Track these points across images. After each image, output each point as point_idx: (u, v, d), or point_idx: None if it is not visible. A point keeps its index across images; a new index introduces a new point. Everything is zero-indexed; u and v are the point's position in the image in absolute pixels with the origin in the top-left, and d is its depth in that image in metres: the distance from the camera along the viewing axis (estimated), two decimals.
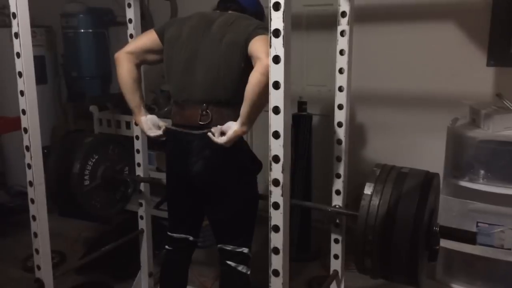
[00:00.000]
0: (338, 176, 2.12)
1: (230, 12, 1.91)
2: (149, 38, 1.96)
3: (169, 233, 2.07)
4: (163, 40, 1.91)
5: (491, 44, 2.76)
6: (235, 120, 1.73)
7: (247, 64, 1.72)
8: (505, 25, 2.69)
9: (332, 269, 2.23)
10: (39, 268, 1.95)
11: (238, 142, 1.81)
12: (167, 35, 1.90)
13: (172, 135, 1.90)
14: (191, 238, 2.06)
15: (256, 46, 1.68)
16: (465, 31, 2.82)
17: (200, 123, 1.79)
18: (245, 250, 1.91)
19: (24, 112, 1.81)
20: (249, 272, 1.93)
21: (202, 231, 2.20)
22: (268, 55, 1.31)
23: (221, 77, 1.77)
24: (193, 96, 1.81)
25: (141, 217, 2.59)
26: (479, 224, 2.42)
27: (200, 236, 2.14)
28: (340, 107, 2.07)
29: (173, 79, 1.88)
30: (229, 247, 1.91)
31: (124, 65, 1.93)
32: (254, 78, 1.61)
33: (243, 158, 1.86)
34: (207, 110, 1.79)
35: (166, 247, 2.10)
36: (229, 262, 1.91)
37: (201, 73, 1.80)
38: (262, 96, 1.54)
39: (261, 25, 1.76)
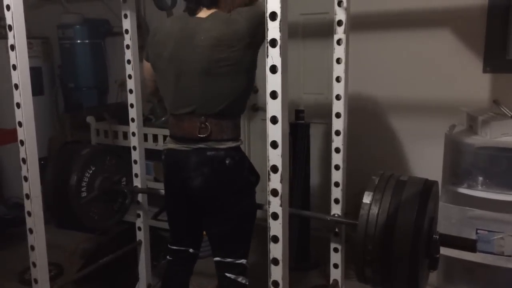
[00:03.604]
0: (337, 184, 2.11)
1: (209, 13, 1.77)
2: (149, 69, 1.97)
3: (169, 246, 2.07)
4: None
5: (487, 50, 2.77)
6: (234, 131, 1.76)
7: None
8: (501, 32, 2.70)
9: (332, 278, 2.21)
10: (36, 281, 1.92)
11: (237, 155, 1.80)
12: (151, 56, 1.90)
13: (169, 150, 1.89)
14: (191, 250, 2.05)
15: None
16: (461, 38, 2.83)
17: (199, 135, 1.76)
18: (244, 261, 1.90)
19: (20, 124, 1.80)
20: (247, 283, 1.91)
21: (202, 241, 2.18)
22: None
23: (217, 91, 1.75)
24: (190, 110, 1.79)
25: (139, 228, 2.57)
26: (478, 231, 2.41)
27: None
28: (338, 115, 2.07)
29: (167, 95, 1.87)
30: (228, 260, 1.89)
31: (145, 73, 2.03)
32: None
33: (242, 172, 1.84)
34: (206, 123, 1.76)
35: (168, 257, 2.09)
36: (228, 275, 1.89)
37: (195, 89, 1.77)
38: None
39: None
